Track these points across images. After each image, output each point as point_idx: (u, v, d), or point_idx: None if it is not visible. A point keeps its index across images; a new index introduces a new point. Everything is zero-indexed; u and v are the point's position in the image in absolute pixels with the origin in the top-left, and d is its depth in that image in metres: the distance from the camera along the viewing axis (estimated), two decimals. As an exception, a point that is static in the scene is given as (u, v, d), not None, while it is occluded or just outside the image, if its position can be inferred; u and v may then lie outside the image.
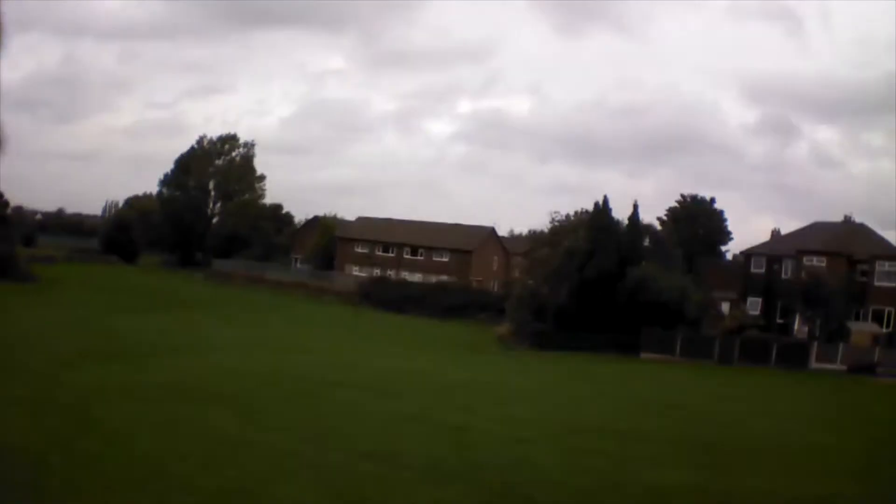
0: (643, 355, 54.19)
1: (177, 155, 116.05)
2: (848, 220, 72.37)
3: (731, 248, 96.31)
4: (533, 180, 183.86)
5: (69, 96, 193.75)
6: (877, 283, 60.77)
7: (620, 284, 58.23)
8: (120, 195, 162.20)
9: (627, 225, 63.69)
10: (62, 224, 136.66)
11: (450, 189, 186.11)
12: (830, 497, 16.31)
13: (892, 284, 59.99)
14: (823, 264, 63.16)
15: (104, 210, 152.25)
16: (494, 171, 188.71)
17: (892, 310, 58.97)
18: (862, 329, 56.13)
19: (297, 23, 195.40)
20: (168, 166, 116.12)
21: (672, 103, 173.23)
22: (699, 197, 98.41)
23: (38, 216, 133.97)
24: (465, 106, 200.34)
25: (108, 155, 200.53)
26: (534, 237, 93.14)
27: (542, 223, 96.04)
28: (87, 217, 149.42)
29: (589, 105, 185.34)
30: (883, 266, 61.37)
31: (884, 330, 56.94)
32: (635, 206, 65.05)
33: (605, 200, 63.96)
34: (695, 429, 24.57)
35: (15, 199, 72.61)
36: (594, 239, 61.69)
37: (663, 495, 15.56)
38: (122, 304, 57.53)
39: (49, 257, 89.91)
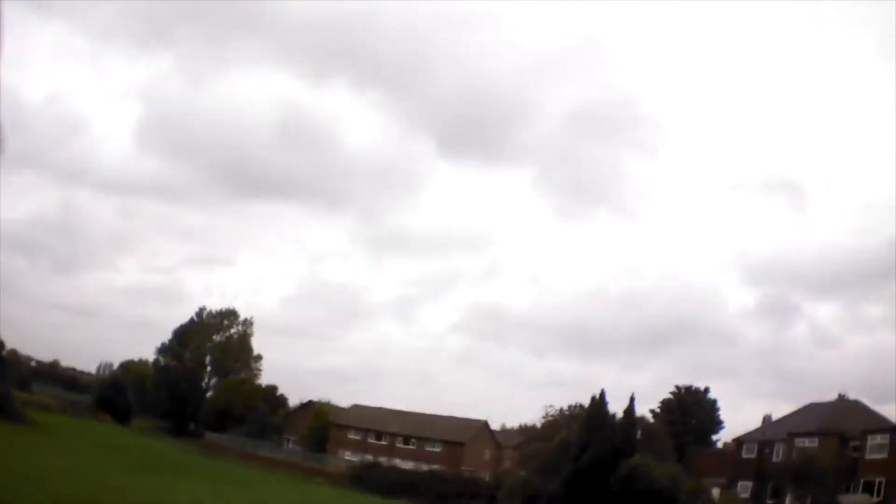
0: None
1: (174, 322, 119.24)
2: (842, 398, 73.66)
3: (723, 437, 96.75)
4: (528, 373, 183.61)
5: (68, 245, 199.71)
6: (868, 457, 61.61)
7: (613, 474, 59.46)
8: (114, 356, 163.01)
9: (623, 417, 65.43)
10: (56, 375, 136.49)
11: (445, 380, 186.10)
12: None
13: (883, 456, 60.52)
14: (815, 445, 63.84)
15: (98, 369, 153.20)
16: (490, 364, 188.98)
17: (883, 480, 59.03)
18: (853, 502, 56.27)
19: (295, 196, 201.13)
20: (165, 333, 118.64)
21: (671, 291, 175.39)
22: (693, 387, 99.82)
23: (33, 363, 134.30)
24: (464, 295, 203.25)
25: (105, 313, 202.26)
26: (526, 430, 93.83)
27: (534, 417, 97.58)
28: (82, 373, 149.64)
29: (587, 295, 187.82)
30: (875, 439, 62.36)
31: (874, 500, 57.03)
32: (632, 399, 67.29)
33: (602, 394, 66.65)
34: None
35: (10, 342, 73.32)
36: (589, 430, 63.40)
37: None
38: (118, 461, 57.35)
39: (44, 404, 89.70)
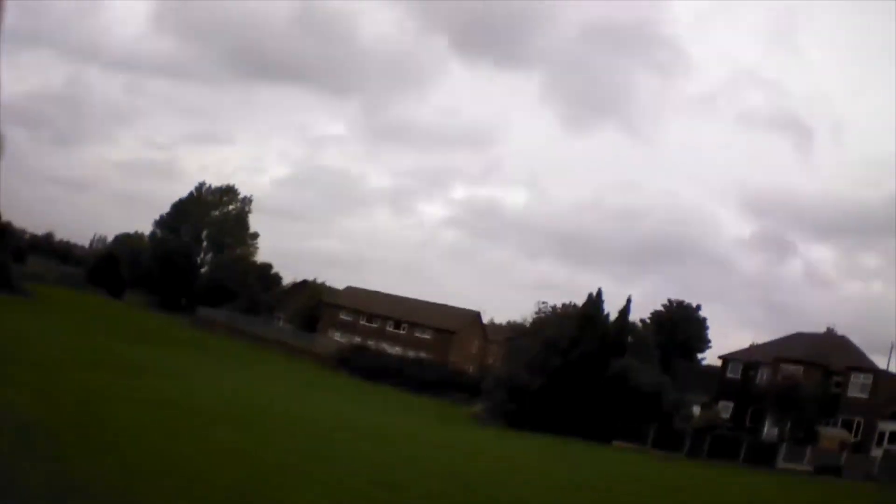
0: (615, 443, 56.28)
1: (170, 197, 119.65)
2: (830, 332, 74.88)
3: (709, 357, 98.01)
4: (520, 274, 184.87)
5: (70, 119, 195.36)
6: (849, 394, 63.05)
7: (602, 373, 60.93)
8: (109, 229, 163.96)
9: (617, 318, 66.51)
10: (51, 248, 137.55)
11: (435, 272, 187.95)
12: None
13: (864, 396, 62.05)
14: (800, 372, 65.35)
15: (92, 242, 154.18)
16: (483, 260, 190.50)
17: (862, 420, 60.66)
18: (831, 434, 58.04)
19: (303, 81, 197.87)
20: (160, 208, 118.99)
21: (670, 210, 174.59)
22: (685, 303, 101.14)
23: (27, 236, 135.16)
24: (460, 191, 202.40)
25: (100, 187, 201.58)
26: (514, 327, 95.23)
27: (523, 315, 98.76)
28: (75, 246, 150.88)
29: (586, 204, 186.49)
30: (858, 378, 63.70)
31: (852, 438, 58.86)
32: (628, 301, 68.42)
33: (599, 292, 67.51)
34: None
35: (5, 214, 74.01)
36: (582, 327, 64.50)
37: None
38: (116, 333, 59.12)
39: (39, 276, 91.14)
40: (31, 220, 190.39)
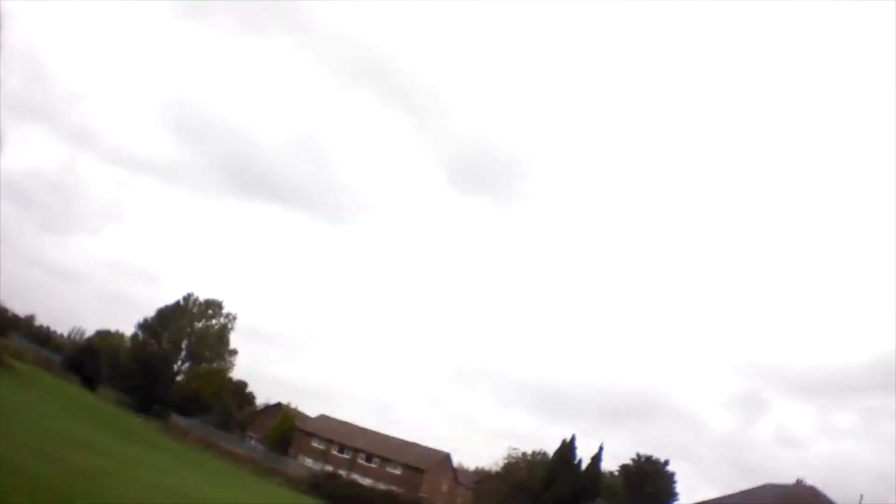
0: None
1: (148, 301, 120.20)
2: (799, 483, 73.84)
3: None
4: (490, 423, 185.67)
5: (62, 207, 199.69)
6: None
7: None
8: (87, 323, 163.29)
9: (590, 464, 67.05)
10: (31, 330, 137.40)
11: (407, 412, 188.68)
12: None
13: None
14: None
15: (71, 333, 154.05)
16: (455, 406, 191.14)
17: None
18: None
19: (296, 204, 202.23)
20: (140, 310, 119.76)
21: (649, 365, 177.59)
22: (653, 458, 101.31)
23: (10, 314, 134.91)
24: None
25: (84, 280, 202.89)
26: (481, 473, 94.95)
27: (491, 462, 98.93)
28: (55, 333, 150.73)
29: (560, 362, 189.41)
30: None
31: None
32: (600, 448, 69.27)
33: (573, 438, 68.62)
34: None
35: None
36: (555, 471, 64.97)
37: None
38: (96, 423, 58.71)
39: (19, 353, 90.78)
40: (14, 299, 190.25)
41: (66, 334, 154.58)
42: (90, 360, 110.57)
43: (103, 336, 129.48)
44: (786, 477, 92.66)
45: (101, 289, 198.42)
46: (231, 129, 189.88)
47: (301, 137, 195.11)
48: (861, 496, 68.05)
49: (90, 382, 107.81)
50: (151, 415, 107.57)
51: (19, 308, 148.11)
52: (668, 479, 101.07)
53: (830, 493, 71.74)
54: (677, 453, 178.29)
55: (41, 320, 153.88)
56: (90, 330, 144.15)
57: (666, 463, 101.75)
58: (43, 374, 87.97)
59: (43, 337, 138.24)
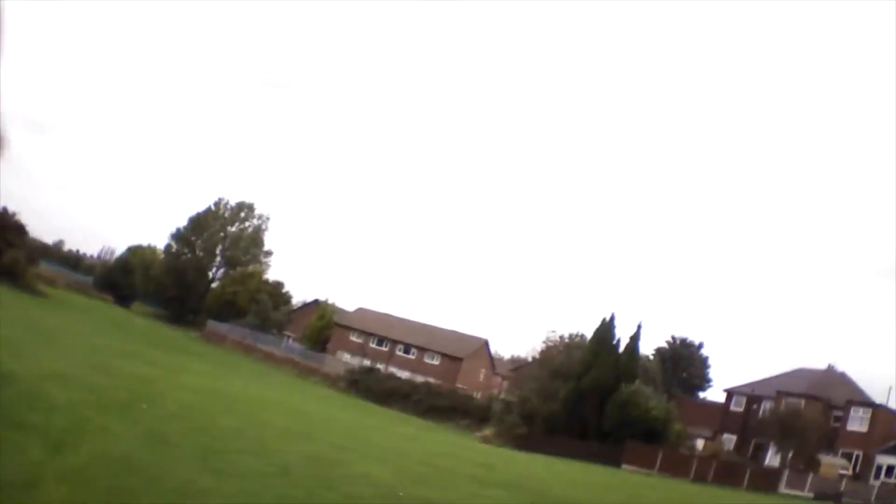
0: (623, 466, 57.23)
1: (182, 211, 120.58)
2: (830, 368, 77.25)
3: (709, 396, 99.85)
4: (527, 310, 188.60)
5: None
6: (848, 428, 65.20)
7: (613, 397, 62.67)
8: (117, 242, 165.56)
9: (628, 343, 67.99)
10: (61, 256, 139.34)
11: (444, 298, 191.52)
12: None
13: (863, 430, 64.28)
14: (802, 405, 67.06)
15: (101, 253, 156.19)
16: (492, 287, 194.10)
17: (861, 453, 62.71)
18: (832, 462, 59.80)
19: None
20: (173, 220, 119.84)
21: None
22: (687, 340, 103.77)
23: (38, 243, 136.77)
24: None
25: (111, 197, 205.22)
26: (520, 362, 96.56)
27: (528, 351, 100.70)
28: (84, 255, 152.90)
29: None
30: (857, 412, 65.91)
31: (851, 471, 60.50)
32: (638, 327, 69.77)
33: (612, 317, 68.83)
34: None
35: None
36: (595, 352, 66.19)
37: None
38: (134, 338, 60.88)
39: (51, 280, 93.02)
40: (42, 227, 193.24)
41: (96, 255, 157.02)
42: (123, 277, 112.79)
43: (135, 251, 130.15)
44: (818, 362, 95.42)
45: (128, 202, 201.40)
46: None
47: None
48: (890, 388, 70.14)
49: (124, 299, 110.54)
50: (187, 324, 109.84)
51: (48, 236, 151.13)
52: (702, 362, 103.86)
53: (860, 379, 74.47)
54: (713, 333, 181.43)
55: (70, 245, 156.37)
56: (119, 248, 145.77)
57: (700, 346, 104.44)
58: (76, 297, 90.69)
59: (73, 261, 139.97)
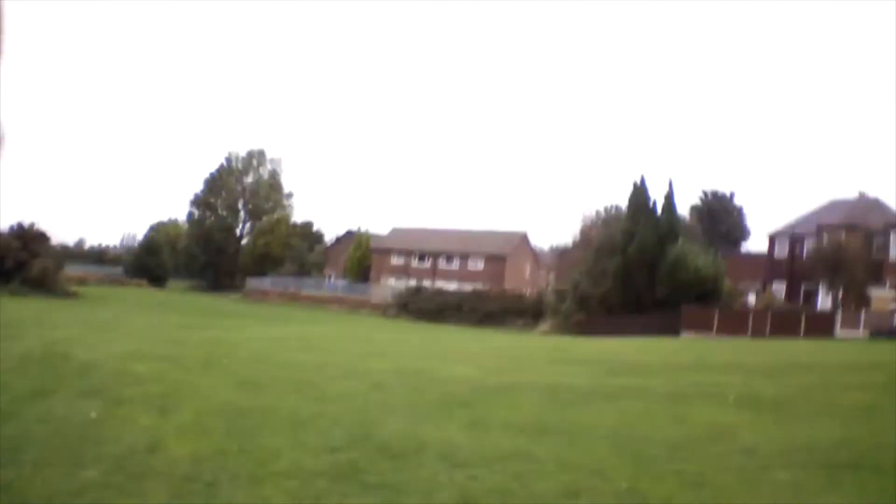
0: (683, 334, 57.65)
1: (193, 177, 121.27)
2: (863, 196, 77.80)
3: (751, 247, 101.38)
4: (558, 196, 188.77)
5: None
6: (892, 256, 65.30)
7: (661, 263, 63.17)
8: (137, 227, 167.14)
9: (664, 202, 67.84)
10: (83, 254, 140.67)
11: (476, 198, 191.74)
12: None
13: None
14: (843, 237, 67.20)
15: (122, 240, 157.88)
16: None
17: None
18: (882, 296, 59.87)
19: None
20: (188, 191, 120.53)
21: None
22: (719, 193, 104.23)
23: (59, 246, 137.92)
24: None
25: (125, 184, 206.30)
26: (560, 250, 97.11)
27: (565, 238, 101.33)
28: (107, 247, 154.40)
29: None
30: None
31: None
32: (670, 185, 69.81)
33: (643, 180, 68.54)
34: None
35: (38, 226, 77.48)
36: (633, 218, 66.21)
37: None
38: (180, 312, 61.74)
39: (80, 279, 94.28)
40: (61, 229, 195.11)
41: (118, 244, 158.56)
42: (151, 257, 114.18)
43: (158, 228, 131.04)
44: (849, 193, 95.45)
45: (142, 184, 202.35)
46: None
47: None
48: None
49: (158, 280, 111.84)
50: (227, 289, 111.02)
51: (67, 236, 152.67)
52: (738, 214, 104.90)
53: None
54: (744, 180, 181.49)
55: (90, 241, 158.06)
56: (140, 233, 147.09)
57: (732, 196, 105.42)
58: (111, 290, 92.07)
59: (97, 256, 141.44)
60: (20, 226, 73.62)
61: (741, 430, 12.53)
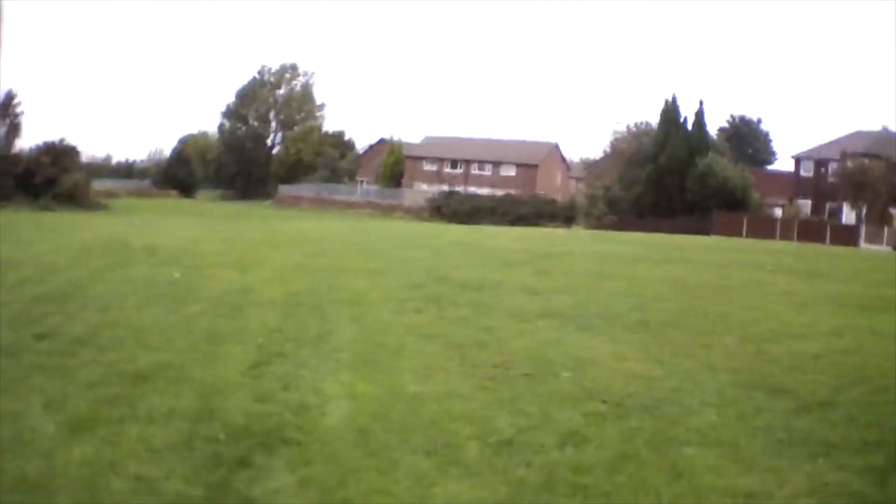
0: (712, 236, 58.64)
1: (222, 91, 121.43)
2: (885, 129, 78.31)
3: (777, 168, 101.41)
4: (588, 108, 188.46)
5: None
6: None
7: (690, 172, 64.72)
8: (164, 142, 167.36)
9: (694, 120, 69.57)
10: (111, 169, 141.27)
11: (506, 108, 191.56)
12: None
13: None
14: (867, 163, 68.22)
15: (150, 155, 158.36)
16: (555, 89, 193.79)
17: None
18: None
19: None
20: (216, 105, 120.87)
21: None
22: (746, 118, 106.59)
23: (88, 160, 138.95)
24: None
25: (152, 100, 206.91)
26: (591, 162, 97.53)
27: (593, 152, 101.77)
28: (135, 162, 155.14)
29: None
30: None
31: None
32: (701, 103, 71.34)
33: (674, 98, 70.44)
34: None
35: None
36: (665, 131, 67.97)
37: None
38: (217, 220, 62.65)
39: (110, 193, 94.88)
40: (88, 144, 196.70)
41: (145, 159, 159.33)
42: (181, 168, 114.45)
43: (188, 141, 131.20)
44: (873, 124, 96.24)
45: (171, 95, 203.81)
46: None
47: None
48: None
49: (188, 189, 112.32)
50: (257, 196, 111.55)
51: (94, 151, 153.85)
52: (764, 138, 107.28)
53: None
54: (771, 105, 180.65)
55: (118, 156, 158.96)
56: (168, 148, 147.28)
57: (759, 121, 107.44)
58: (141, 201, 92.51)
59: (125, 171, 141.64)
60: (49, 142, 74.11)
61: (780, 284, 13.89)
